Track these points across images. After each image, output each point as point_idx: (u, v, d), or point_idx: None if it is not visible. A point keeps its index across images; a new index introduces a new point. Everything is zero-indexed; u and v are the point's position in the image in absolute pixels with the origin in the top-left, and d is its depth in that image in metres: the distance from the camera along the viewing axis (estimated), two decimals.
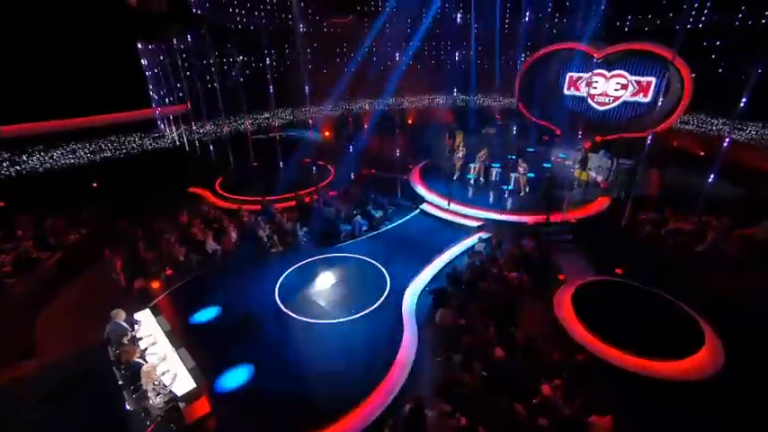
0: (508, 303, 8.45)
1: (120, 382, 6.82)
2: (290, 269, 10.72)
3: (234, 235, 11.89)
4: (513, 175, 14.08)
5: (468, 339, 7.38)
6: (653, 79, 17.63)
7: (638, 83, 18.06)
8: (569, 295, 9.20)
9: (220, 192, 15.17)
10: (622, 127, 18.30)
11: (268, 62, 17.70)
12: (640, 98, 18.23)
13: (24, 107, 13.00)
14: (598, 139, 17.93)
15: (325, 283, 10.13)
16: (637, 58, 17.61)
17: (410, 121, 22.47)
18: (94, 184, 15.29)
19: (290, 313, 9.07)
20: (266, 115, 19.11)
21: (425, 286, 9.80)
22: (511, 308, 8.36)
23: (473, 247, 10.88)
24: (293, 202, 13.82)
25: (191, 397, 6.54)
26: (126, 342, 7.05)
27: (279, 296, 9.66)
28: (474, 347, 7.26)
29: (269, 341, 8.33)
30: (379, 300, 9.38)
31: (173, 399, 6.48)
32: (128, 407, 6.55)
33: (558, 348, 7.33)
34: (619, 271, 10.04)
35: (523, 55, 20.45)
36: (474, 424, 5.88)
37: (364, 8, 19.25)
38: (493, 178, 15.07)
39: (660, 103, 17.35)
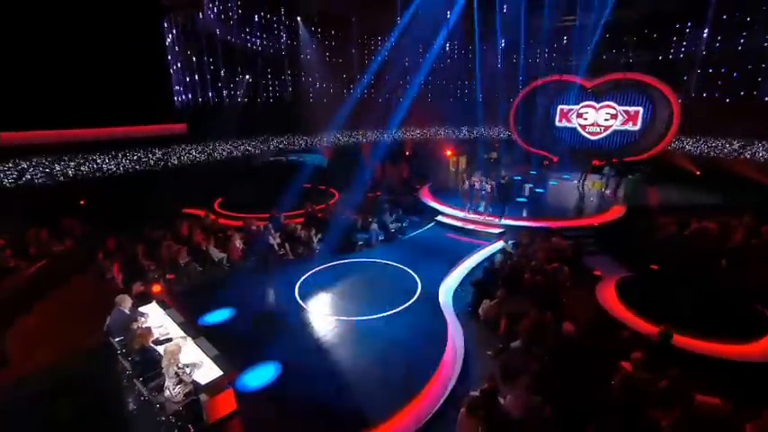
0: (554, 292, 7.89)
1: (128, 372, 5.66)
2: (314, 271, 9.99)
3: (239, 243, 11.03)
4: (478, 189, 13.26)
5: (528, 323, 6.67)
6: (640, 109, 18.73)
7: (627, 112, 19.13)
8: (612, 287, 8.76)
9: (220, 211, 14.42)
10: (616, 153, 19.00)
11: (269, 86, 17.92)
12: (630, 127, 19.21)
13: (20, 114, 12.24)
14: (595, 162, 18.44)
15: (353, 283, 9.43)
16: (624, 89, 18.81)
17: (408, 153, 22.72)
18: (82, 202, 14.25)
19: (319, 311, 8.17)
20: (268, 140, 18.90)
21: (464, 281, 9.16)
22: (558, 296, 7.79)
23: (503, 247, 10.42)
24: (302, 219, 13.12)
25: (215, 389, 5.43)
26: (137, 327, 5.96)
27: (304, 296, 8.78)
28: (536, 330, 6.55)
29: (298, 340, 7.34)
30: (413, 297, 8.66)
31: (193, 391, 5.36)
32: (144, 396, 5.36)
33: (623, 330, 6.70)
34: (654, 267, 9.75)
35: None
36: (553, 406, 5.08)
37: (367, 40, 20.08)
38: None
39: (651, 130, 18.38)
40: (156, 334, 6.19)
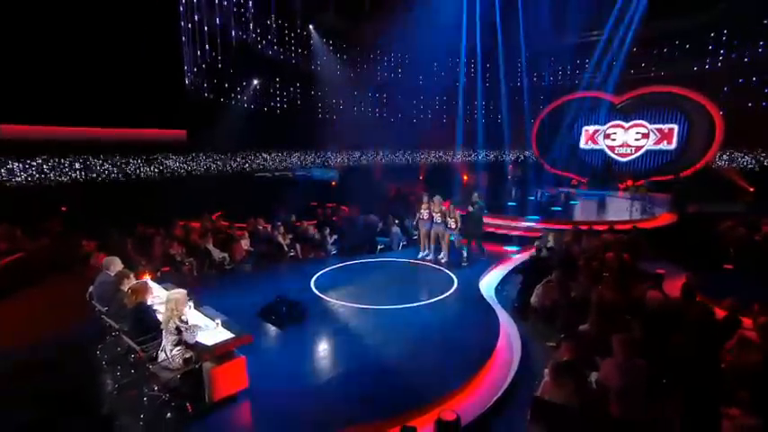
0: (617, 276, 7.21)
1: (114, 334, 4.88)
2: (332, 268, 9.55)
3: (245, 244, 10.46)
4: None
5: (598, 296, 5.96)
6: (675, 126, 18.71)
7: (660, 131, 19.13)
8: (683, 282, 8.08)
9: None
10: (652, 172, 18.76)
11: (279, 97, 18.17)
12: (665, 146, 19.11)
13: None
14: (629, 182, 18.17)
15: (380, 277, 8.98)
16: (655, 105, 18.93)
17: (421, 177, 22.65)
18: (63, 208, 13.78)
19: (341, 301, 7.50)
20: (275, 153, 18.89)
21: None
22: (624, 280, 7.09)
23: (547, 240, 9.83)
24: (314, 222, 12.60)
25: (224, 354, 4.64)
26: (129, 285, 5.24)
27: (322, 289, 8.14)
28: (609, 305, 5.83)
29: (319, 326, 6.64)
30: (450, 290, 8.04)
31: (194, 358, 4.56)
32: (134, 355, 4.54)
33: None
34: (729, 267, 9.18)
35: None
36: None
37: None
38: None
39: (689, 147, 18.23)
40: (151, 301, 5.46)
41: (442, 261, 9.80)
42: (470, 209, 10.12)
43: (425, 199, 10.12)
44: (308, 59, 18.40)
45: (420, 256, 10.24)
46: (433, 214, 9.82)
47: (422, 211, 10.10)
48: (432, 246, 10.08)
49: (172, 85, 14.22)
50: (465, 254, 9.82)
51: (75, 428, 4.50)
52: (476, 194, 10.51)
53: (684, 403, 4.04)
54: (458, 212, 9.71)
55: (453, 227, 9.61)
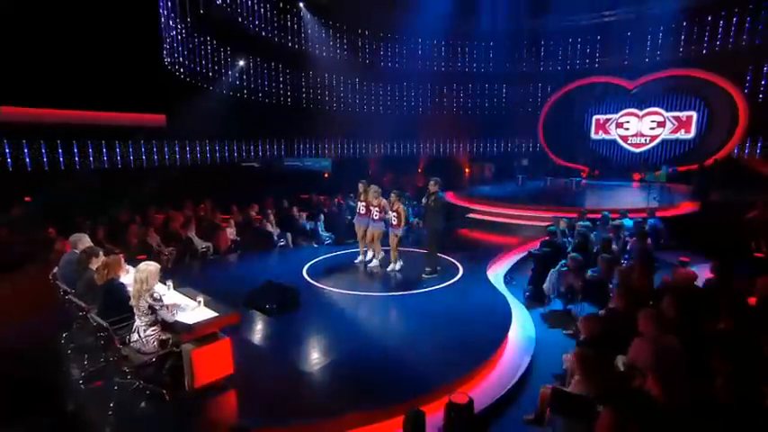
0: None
1: (82, 314, 4.64)
2: (325, 257, 9.32)
3: (230, 233, 10.28)
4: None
5: (624, 275, 5.85)
6: (693, 114, 18.67)
7: (677, 118, 19.10)
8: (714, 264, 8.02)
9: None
10: (669, 162, 18.70)
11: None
12: (682, 135, 19.08)
13: None
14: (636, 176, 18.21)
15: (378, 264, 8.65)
16: (672, 91, 18.90)
17: (420, 170, 22.64)
18: (27, 198, 13.48)
19: (335, 289, 7.37)
20: (264, 142, 18.73)
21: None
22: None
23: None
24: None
25: (206, 336, 4.41)
26: (99, 262, 5.01)
27: (315, 277, 7.97)
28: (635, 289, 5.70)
29: (312, 312, 6.46)
30: (455, 277, 7.93)
31: (172, 341, 4.34)
32: (102, 334, 4.30)
33: None
34: (760, 255, 9.28)
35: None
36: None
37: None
38: None
39: (709, 135, 18.18)
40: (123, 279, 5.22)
41: (394, 271, 8.08)
42: (425, 201, 8.30)
43: (361, 188, 8.52)
44: (298, 41, 18.24)
45: (357, 260, 8.63)
46: (371, 208, 8.12)
47: (358, 203, 8.49)
48: (373, 250, 8.48)
49: (149, 63, 13.93)
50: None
51: (36, 426, 4.25)
52: (431, 182, 8.01)
53: (729, 384, 3.89)
54: (401, 206, 8.05)
55: (395, 223, 7.92)
